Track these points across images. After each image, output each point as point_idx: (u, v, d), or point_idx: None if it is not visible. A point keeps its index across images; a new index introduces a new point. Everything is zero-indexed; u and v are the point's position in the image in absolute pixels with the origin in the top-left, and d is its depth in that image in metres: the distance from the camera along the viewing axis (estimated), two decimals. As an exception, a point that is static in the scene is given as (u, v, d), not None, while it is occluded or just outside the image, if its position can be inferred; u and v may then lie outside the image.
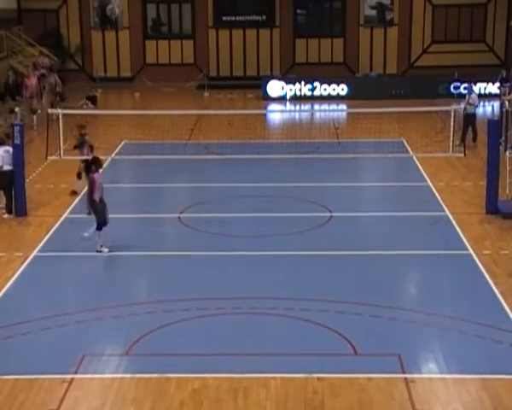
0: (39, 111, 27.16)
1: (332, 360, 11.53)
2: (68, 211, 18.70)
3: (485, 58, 38.25)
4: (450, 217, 17.98)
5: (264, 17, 39.03)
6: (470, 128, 24.57)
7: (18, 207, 18.30)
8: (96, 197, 15.75)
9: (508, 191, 18.83)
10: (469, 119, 24.46)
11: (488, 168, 18.20)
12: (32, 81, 27.53)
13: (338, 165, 22.26)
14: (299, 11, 39.33)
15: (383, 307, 13.18)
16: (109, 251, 15.79)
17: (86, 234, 16.01)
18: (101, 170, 16.07)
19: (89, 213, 16.26)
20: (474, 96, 25.13)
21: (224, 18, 39.10)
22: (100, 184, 15.86)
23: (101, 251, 15.74)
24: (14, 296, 14.02)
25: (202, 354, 11.66)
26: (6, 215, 18.25)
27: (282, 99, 34.45)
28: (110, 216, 18.70)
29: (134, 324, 12.71)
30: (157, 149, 22.86)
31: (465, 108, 24.44)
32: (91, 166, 16.07)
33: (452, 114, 19.99)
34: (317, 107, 33.59)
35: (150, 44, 39.60)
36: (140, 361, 11.54)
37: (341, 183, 20.86)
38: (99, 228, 15.77)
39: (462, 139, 23.44)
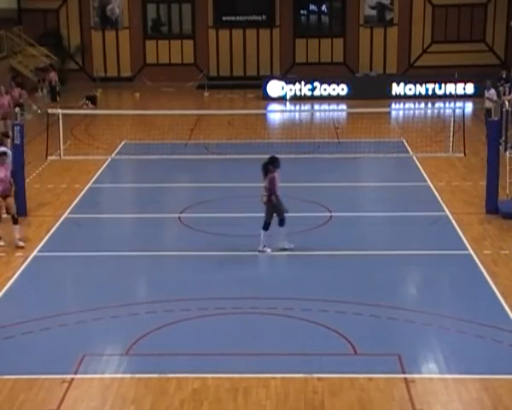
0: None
1: (332, 360, 11.53)
2: (68, 211, 18.70)
3: (485, 58, 38.27)
4: (450, 217, 17.99)
5: (264, 17, 39.05)
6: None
7: (18, 208, 18.24)
8: (278, 195, 15.71)
9: (508, 191, 18.84)
10: (486, 114, 24.64)
11: (488, 168, 18.20)
12: (4, 101, 26.47)
13: (338, 165, 22.26)
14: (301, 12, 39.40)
15: (383, 307, 13.18)
16: (272, 251, 15.75)
17: (260, 248, 15.72)
18: (278, 169, 15.87)
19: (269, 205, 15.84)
20: (492, 91, 25.21)
21: (224, 18, 39.12)
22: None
23: (263, 251, 15.72)
24: (14, 296, 14.02)
25: (202, 354, 11.66)
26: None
27: (282, 99, 34.45)
28: (111, 216, 18.80)
29: (134, 324, 12.71)
30: (157, 149, 22.87)
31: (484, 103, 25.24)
32: (268, 166, 15.86)
33: (452, 114, 20.09)
34: (317, 107, 33.59)
35: (150, 44, 39.62)
36: (140, 361, 11.54)
37: (341, 183, 20.85)
38: (282, 224, 15.70)
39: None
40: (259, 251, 15.73)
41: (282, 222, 15.75)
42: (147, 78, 38.69)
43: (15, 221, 16.35)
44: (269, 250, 15.75)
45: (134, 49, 39.56)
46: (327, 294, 13.70)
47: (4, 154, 16.82)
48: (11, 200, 16.48)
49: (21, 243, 16.15)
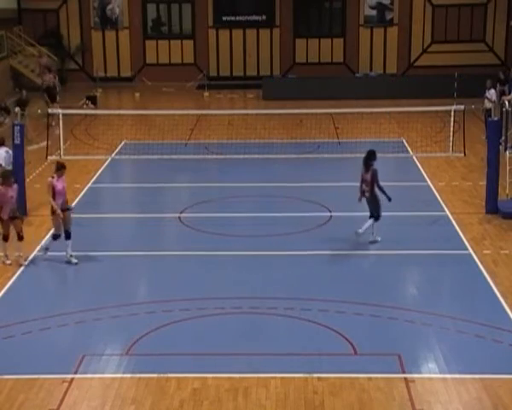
0: None
1: (332, 360, 11.53)
2: (68, 211, 18.68)
3: (485, 58, 38.25)
4: (450, 217, 17.99)
5: (264, 17, 39.01)
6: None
7: (18, 208, 18.22)
8: (377, 189, 16.12)
9: (508, 191, 18.85)
10: (486, 114, 24.62)
11: (488, 168, 18.21)
12: None
13: (338, 165, 22.24)
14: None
15: (383, 307, 13.18)
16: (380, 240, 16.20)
17: (361, 230, 16.13)
18: (375, 161, 16.26)
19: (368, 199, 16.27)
20: (492, 91, 25.20)
21: (224, 18, 39.09)
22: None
23: (375, 241, 16.17)
24: (14, 296, 14.02)
25: (202, 354, 11.66)
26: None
27: (281, 99, 34.36)
28: (111, 216, 18.81)
29: (134, 324, 12.71)
30: (157, 149, 22.86)
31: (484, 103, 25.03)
32: (368, 160, 16.21)
33: (452, 114, 20.10)
34: (317, 107, 33.48)
35: (150, 44, 39.61)
36: (140, 361, 11.54)
37: (341, 183, 20.82)
38: (377, 219, 16.10)
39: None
40: (370, 242, 16.12)
41: (377, 218, 16.13)
42: (147, 78, 38.68)
43: (68, 236, 15.61)
44: (379, 239, 16.14)
45: (134, 49, 39.55)
46: (327, 294, 13.70)
47: (64, 167, 15.89)
48: (67, 214, 15.72)
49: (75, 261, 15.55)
